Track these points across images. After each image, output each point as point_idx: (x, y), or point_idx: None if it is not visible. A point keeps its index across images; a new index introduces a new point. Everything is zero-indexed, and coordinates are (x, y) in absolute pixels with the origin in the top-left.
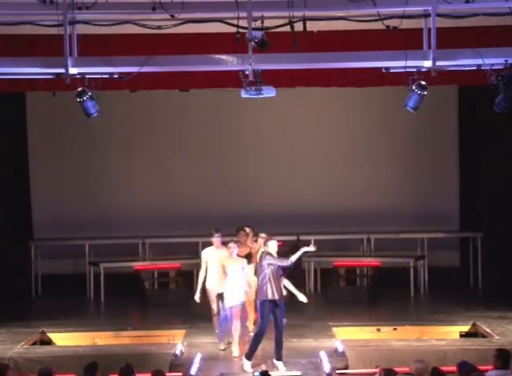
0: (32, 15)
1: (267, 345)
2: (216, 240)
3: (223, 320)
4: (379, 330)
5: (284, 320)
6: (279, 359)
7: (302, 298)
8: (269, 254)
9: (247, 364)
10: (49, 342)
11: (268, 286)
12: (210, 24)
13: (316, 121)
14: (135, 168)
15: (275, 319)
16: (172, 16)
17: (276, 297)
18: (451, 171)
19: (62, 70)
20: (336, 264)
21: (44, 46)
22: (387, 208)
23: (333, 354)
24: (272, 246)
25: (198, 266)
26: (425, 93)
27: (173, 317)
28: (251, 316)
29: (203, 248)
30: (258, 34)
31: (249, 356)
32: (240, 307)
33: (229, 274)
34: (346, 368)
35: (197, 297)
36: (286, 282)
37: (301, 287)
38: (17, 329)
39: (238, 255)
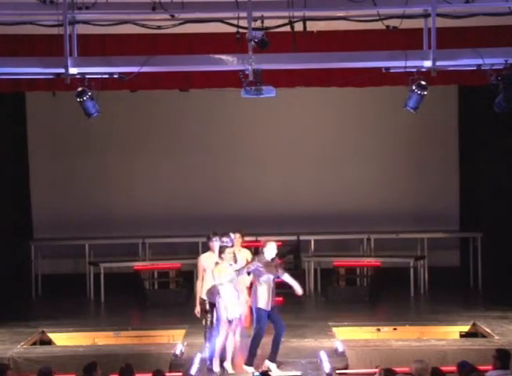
0: (32, 15)
1: (266, 346)
2: (214, 244)
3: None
4: (379, 330)
5: None
6: (272, 361)
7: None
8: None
9: (250, 370)
10: (49, 342)
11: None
12: (210, 24)
13: (316, 121)
14: (135, 167)
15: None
16: (172, 16)
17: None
18: (451, 171)
19: (62, 70)
20: (336, 264)
21: (44, 46)
22: (387, 208)
23: (333, 354)
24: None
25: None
26: (425, 93)
27: (173, 317)
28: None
29: (203, 248)
30: (258, 34)
31: (250, 362)
32: (239, 319)
33: (225, 284)
34: (346, 368)
35: (198, 311)
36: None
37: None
38: (17, 329)
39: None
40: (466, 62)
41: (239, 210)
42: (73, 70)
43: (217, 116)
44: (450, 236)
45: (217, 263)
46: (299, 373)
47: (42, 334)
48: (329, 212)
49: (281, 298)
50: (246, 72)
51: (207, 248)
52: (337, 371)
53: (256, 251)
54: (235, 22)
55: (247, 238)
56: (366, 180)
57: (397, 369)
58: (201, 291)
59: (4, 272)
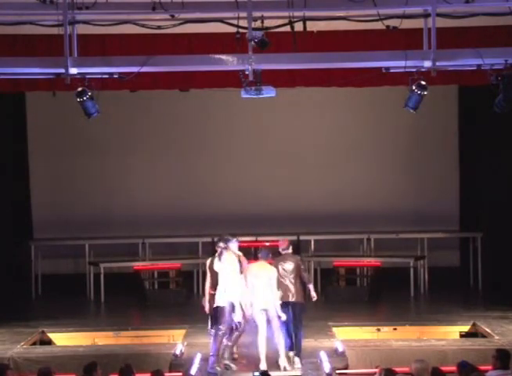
0: (32, 15)
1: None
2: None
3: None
4: (379, 330)
5: None
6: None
7: None
8: None
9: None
10: (49, 342)
11: None
12: (210, 24)
13: (316, 121)
14: (135, 167)
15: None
16: (172, 16)
17: None
18: (451, 171)
19: (62, 70)
20: (336, 264)
21: (44, 46)
22: (387, 208)
23: (333, 354)
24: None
25: (198, 266)
26: (425, 93)
27: (173, 317)
28: None
29: (203, 248)
30: (258, 34)
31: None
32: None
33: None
34: (346, 368)
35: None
36: None
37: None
38: (17, 329)
39: None
40: (466, 62)
41: (240, 210)
42: (73, 70)
43: (217, 116)
44: (450, 236)
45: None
46: (299, 373)
47: (42, 334)
48: (329, 212)
49: None
50: (246, 72)
51: (207, 249)
52: (337, 371)
53: (256, 251)
54: (235, 22)
55: (247, 238)
56: (366, 180)
57: (397, 369)
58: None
59: (4, 272)
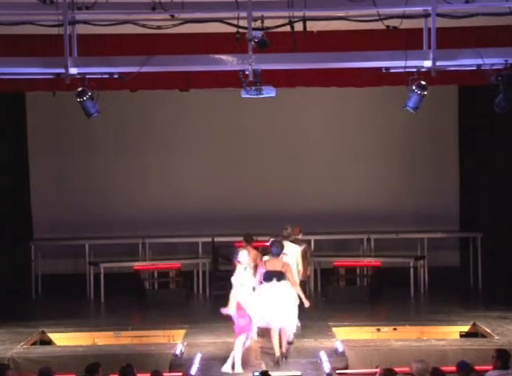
0: (32, 15)
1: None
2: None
3: None
4: (379, 330)
5: None
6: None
7: None
8: None
9: None
10: (49, 342)
11: None
12: (210, 24)
13: (316, 121)
14: (135, 167)
15: None
16: (172, 16)
17: None
18: (451, 170)
19: (62, 70)
20: (336, 264)
21: (44, 46)
22: (387, 208)
23: (333, 354)
24: None
25: (198, 266)
26: (425, 93)
27: (173, 317)
28: None
29: (203, 248)
30: (258, 34)
31: None
32: None
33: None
34: (346, 368)
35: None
36: None
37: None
38: (17, 329)
39: None
40: (466, 62)
41: (239, 210)
42: (73, 70)
43: (217, 116)
44: (450, 236)
45: None
46: (299, 373)
47: (42, 334)
48: (330, 212)
49: None
50: (246, 72)
51: (207, 248)
52: (337, 371)
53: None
54: (235, 22)
55: None
56: (366, 180)
57: (397, 369)
58: None
59: (4, 272)
